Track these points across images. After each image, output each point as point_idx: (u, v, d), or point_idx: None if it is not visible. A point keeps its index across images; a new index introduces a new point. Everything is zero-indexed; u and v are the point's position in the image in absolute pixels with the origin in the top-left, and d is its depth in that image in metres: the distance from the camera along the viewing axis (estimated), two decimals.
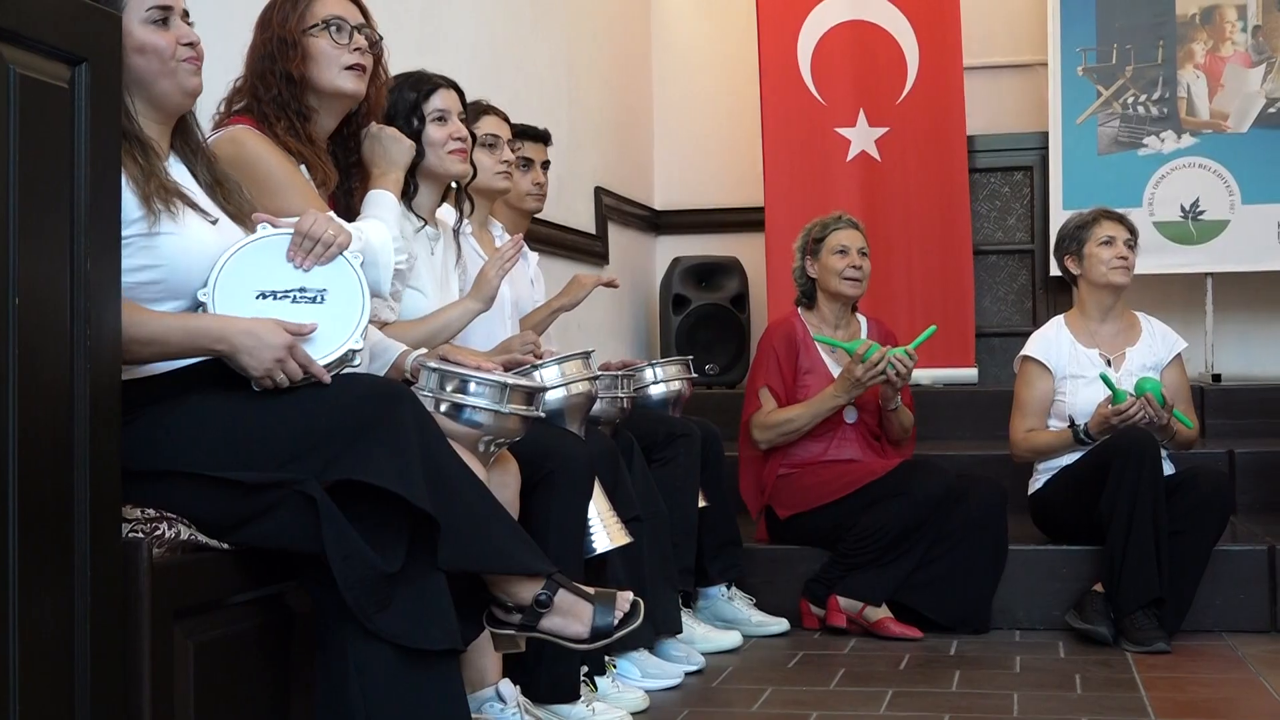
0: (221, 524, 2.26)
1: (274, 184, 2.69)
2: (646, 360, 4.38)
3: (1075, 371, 4.22)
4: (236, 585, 2.31)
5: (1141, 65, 6.10)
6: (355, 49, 2.83)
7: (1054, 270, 4.72)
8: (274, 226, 2.40)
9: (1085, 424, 4.09)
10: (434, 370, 2.66)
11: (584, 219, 5.70)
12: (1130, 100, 6.10)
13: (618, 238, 6.21)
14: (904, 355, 4.16)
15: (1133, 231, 4.33)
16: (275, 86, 2.77)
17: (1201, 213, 6.01)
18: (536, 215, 4.30)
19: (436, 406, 2.61)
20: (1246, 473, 4.93)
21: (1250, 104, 6.05)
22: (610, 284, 4.20)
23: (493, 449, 2.73)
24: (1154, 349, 4.28)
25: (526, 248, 4.06)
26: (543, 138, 4.18)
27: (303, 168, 2.77)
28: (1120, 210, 4.51)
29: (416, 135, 3.14)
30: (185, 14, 2.42)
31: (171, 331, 2.27)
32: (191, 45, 2.40)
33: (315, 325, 2.34)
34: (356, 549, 2.20)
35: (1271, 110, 6.03)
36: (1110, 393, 3.99)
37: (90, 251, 1.89)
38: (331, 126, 2.90)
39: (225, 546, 2.25)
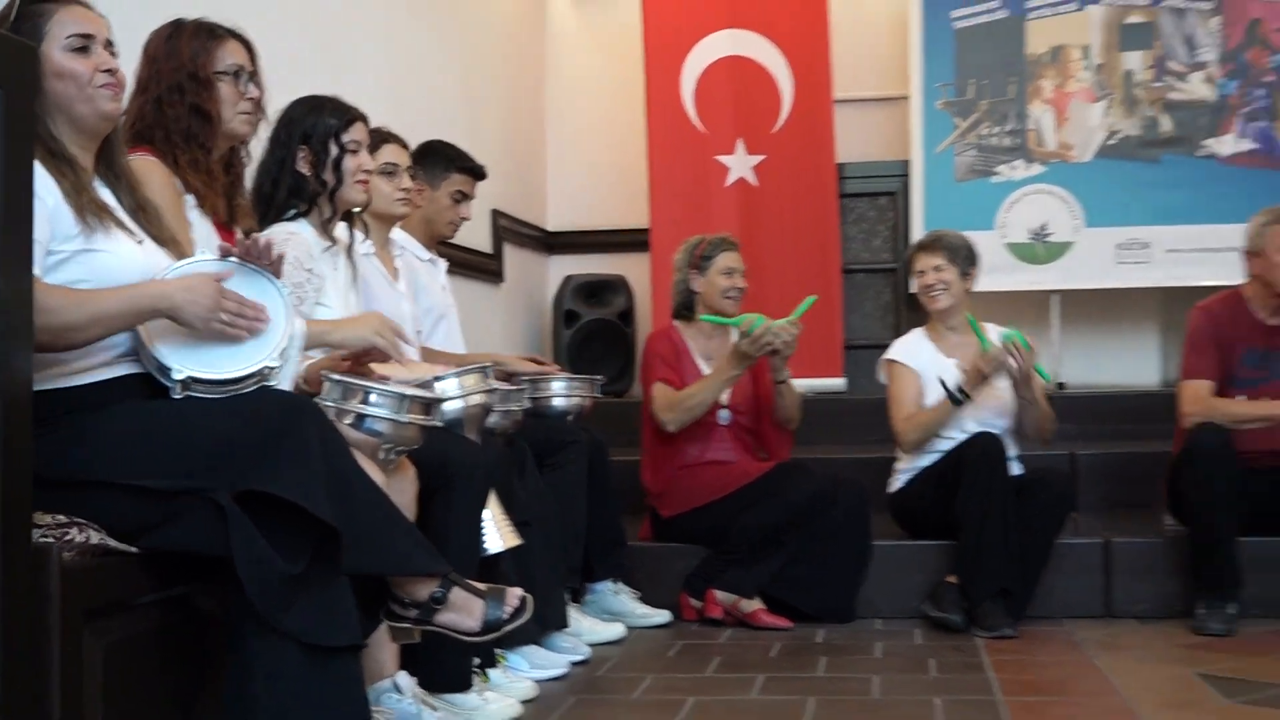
0: (133, 529, 2.25)
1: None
2: (559, 364, 4.43)
3: (935, 374, 4.28)
4: (145, 587, 2.29)
5: (995, 100, 6.20)
6: (249, 97, 2.84)
7: (914, 287, 4.79)
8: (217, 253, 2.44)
9: (959, 384, 4.15)
10: (337, 382, 2.65)
11: (481, 240, 5.69)
12: (985, 132, 6.21)
13: (513, 257, 6.21)
14: (787, 325, 4.20)
15: (949, 253, 4.34)
16: (184, 120, 2.75)
17: (1049, 235, 6.12)
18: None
19: (339, 417, 2.60)
20: (1087, 473, 5.03)
21: (1093, 136, 6.18)
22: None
23: (392, 456, 2.72)
24: None
25: (438, 257, 4.11)
26: (482, 175, 4.22)
27: (191, 198, 2.75)
28: (970, 233, 4.58)
29: (336, 161, 3.14)
30: (109, 43, 2.41)
31: (110, 304, 2.26)
32: (110, 72, 2.39)
33: (231, 271, 2.37)
34: (262, 553, 2.19)
35: (1112, 142, 6.16)
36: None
37: (1, 268, 1.87)
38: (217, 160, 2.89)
39: (134, 550, 2.23)
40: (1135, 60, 6.17)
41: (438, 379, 3.11)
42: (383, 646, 2.72)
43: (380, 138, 3.60)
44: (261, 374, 2.37)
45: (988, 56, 6.20)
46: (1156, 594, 4.20)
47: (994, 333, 4.31)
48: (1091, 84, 6.19)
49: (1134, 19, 6.15)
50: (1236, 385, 4.16)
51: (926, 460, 4.24)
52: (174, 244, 2.53)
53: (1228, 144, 6.11)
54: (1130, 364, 6.51)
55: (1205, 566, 4.01)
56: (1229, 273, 4.53)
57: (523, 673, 3.36)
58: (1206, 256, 5.86)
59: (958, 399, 4.15)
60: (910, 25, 6.24)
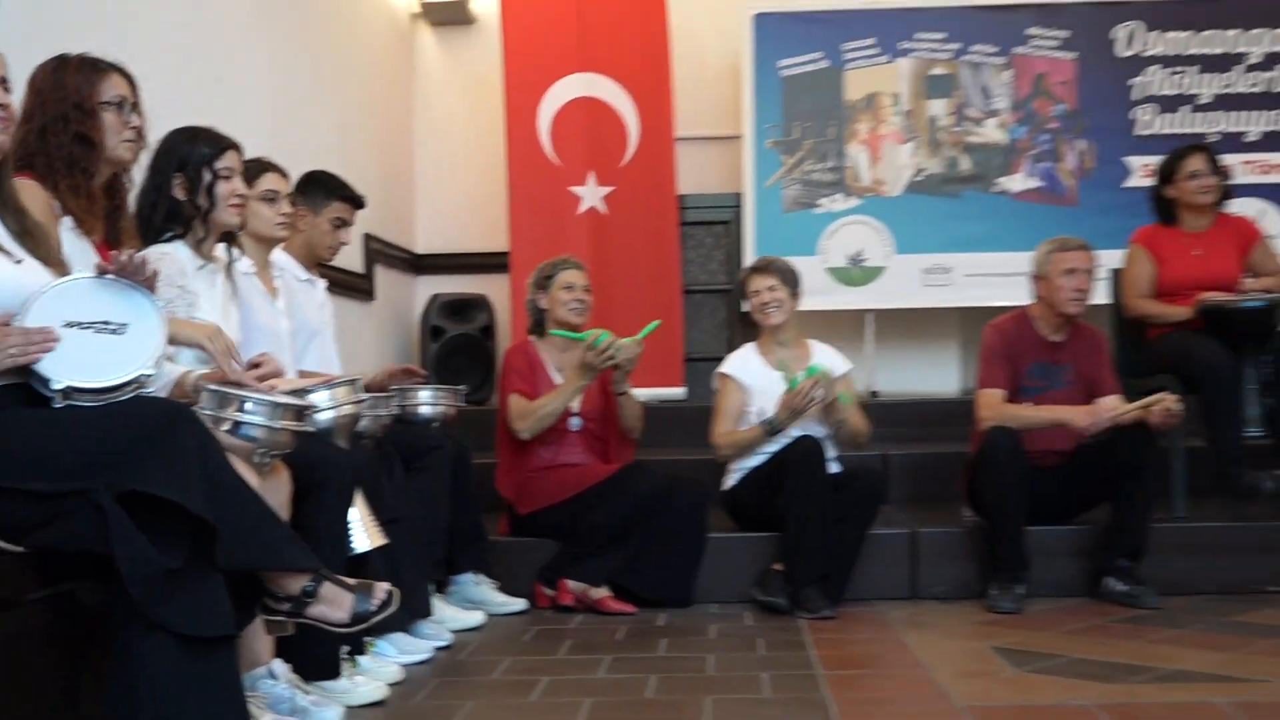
0: (19, 529, 2.18)
1: None
2: (426, 373, 4.40)
3: (762, 387, 4.32)
4: (30, 584, 2.21)
5: (817, 140, 6.30)
6: (132, 126, 2.78)
7: (745, 307, 4.84)
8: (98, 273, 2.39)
9: (774, 416, 4.19)
10: (214, 392, 2.61)
11: (354, 261, 5.61)
12: (808, 168, 6.30)
13: (383, 277, 6.14)
14: (630, 343, 4.23)
15: (781, 275, 4.38)
16: (68, 147, 2.68)
17: (864, 260, 6.24)
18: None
19: (216, 424, 2.55)
20: (896, 471, 5.10)
21: (902, 173, 6.30)
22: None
23: (266, 460, 2.67)
24: (832, 363, 4.37)
25: (317, 277, 4.04)
26: (362, 204, 4.16)
27: (68, 220, 2.68)
28: (793, 258, 4.64)
29: (209, 186, 3.08)
30: (3, 80, 2.35)
31: None
32: (4, 107, 2.33)
33: (11, 315, 2.29)
34: (141, 550, 2.14)
35: (919, 179, 6.30)
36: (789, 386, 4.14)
37: None
38: (100, 184, 2.82)
39: (19, 549, 2.15)
40: (939, 107, 6.32)
41: (311, 390, 3.08)
42: (258, 637, 2.67)
43: (261, 167, 3.55)
44: (138, 381, 2.34)
45: (811, 102, 6.29)
46: (956, 577, 4.27)
47: (820, 352, 4.39)
48: (901, 128, 6.32)
49: (938, 71, 6.31)
50: (1024, 393, 4.25)
51: (755, 461, 4.28)
52: (59, 265, 2.47)
53: (1017, 182, 6.29)
54: (934, 374, 6.67)
55: (998, 553, 4.09)
56: (1018, 294, 4.62)
57: (390, 658, 3.31)
58: (999, 280, 5.98)
59: (773, 430, 4.19)
60: (743, 73, 6.32)
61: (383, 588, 2.56)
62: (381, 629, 3.25)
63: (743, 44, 6.30)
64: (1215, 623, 3.77)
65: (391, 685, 3.11)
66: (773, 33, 6.28)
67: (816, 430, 4.24)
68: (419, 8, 6.78)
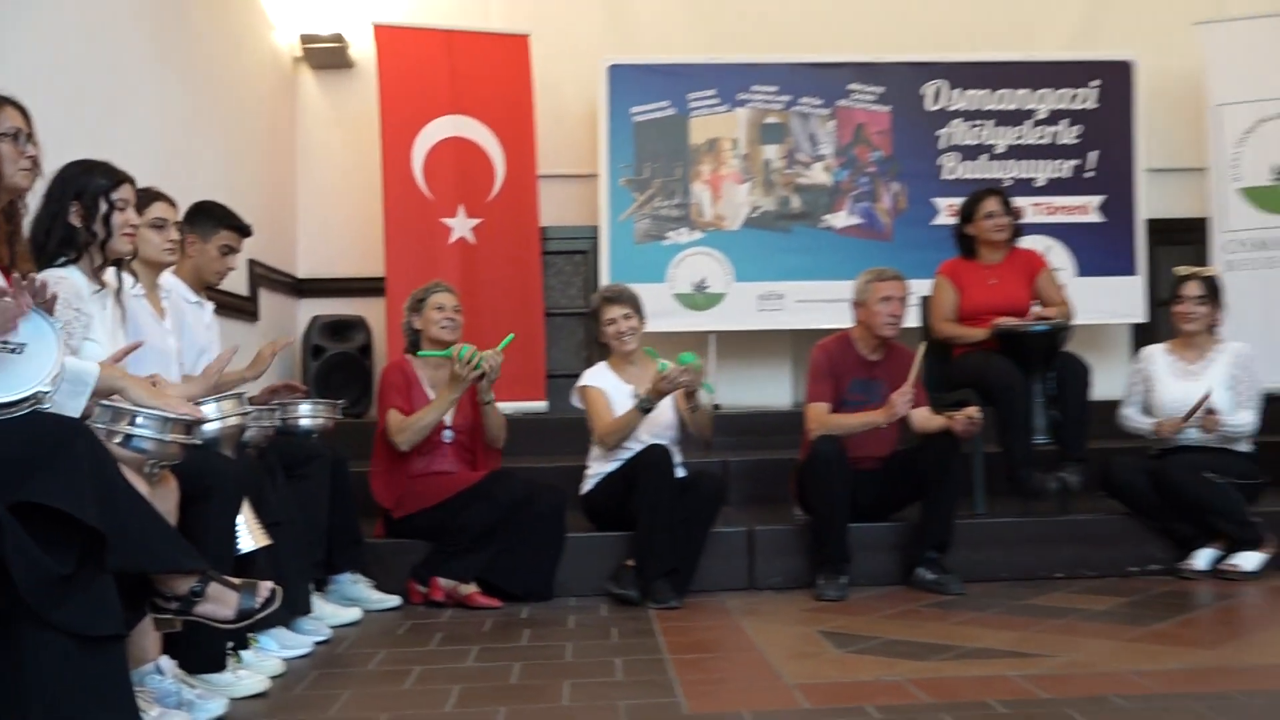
0: None
1: None
2: (307, 388, 4.32)
3: (617, 399, 4.31)
4: None
5: (665, 179, 6.34)
6: (28, 155, 2.67)
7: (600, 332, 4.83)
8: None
9: (645, 394, 4.14)
10: (106, 407, 2.52)
11: (240, 285, 5.47)
12: (657, 205, 6.33)
13: (267, 300, 5.99)
14: (492, 354, 4.19)
15: (631, 304, 4.38)
16: None
17: (707, 287, 6.30)
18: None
19: (109, 437, 2.47)
20: (735, 475, 5.12)
21: (740, 210, 6.37)
22: (286, 344, 4.14)
23: (156, 470, 2.60)
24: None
25: (205, 300, 3.93)
26: (248, 232, 4.05)
27: None
28: (643, 285, 4.66)
29: (105, 216, 2.98)
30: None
31: None
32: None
33: None
34: (34, 556, 2.07)
35: (755, 215, 6.37)
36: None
37: None
38: None
39: None
40: (772, 151, 6.40)
41: (200, 403, 3.00)
42: (146, 634, 2.58)
43: (150, 196, 3.43)
44: (35, 398, 2.25)
45: (659, 145, 6.33)
46: (787, 570, 4.31)
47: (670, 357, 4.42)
48: (739, 169, 6.39)
49: (771, 119, 6.41)
50: (846, 406, 4.32)
51: (610, 466, 4.27)
52: None
53: (841, 219, 6.41)
54: (769, 389, 6.74)
55: (824, 547, 4.14)
56: (841, 318, 4.66)
57: (272, 652, 3.23)
58: (825, 306, 6.06)
59: (644, 408, 4.19)
60: (599, 118, 6.33)
61: (266, 586, 2.51)
62: (265, 625, 3.17)
63: (599, 92, 6.31)
64: (1010, 605, 3.87)
65: (273, 678, 3.03)
66: (625, 83, 6.31)
67: (665, 436, 4.26)
68: (301, 52, 6.65)
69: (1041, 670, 2.99)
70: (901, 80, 6.46)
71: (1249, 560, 4.28)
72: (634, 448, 4.21)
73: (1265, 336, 5.72)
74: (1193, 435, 4.52)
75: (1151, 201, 6.53)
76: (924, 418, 4.25)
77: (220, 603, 2.44)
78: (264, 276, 5.93)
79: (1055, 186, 6.49)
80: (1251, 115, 6.41)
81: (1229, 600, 3.93)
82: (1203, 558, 4.35)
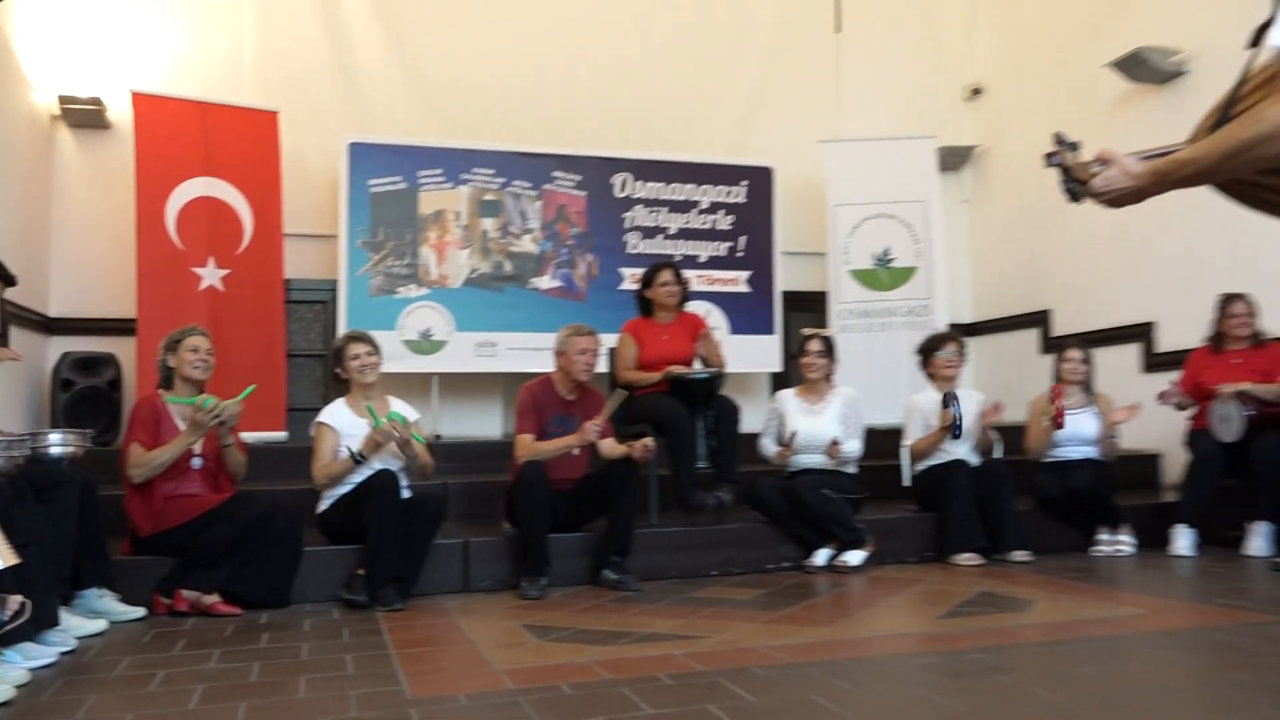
0: None
1: None
2: (49, 428, 3.94)
3: (350, 431, 4.20)
4: None
5: (397, 242, 6.25)
6: None
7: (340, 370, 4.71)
8: None
9: (358, 450, 4.10)
10: None
11: None
12: (390, 264, 6.23)
13: (18, 336, 5.45)
14: (232, 404, 4.01)
15: (372, 344, 4.32)
16: None
17: (432, 336, 6.20)
18: None
19: None
20: (455, 495, 5.07)
21: (461, 271, 6.35)
22: (10, 358, 3.79)
23: None
24: (406, 413, 4.34)
25: None
26: (13, 281, 3.68)
27: None
28: (376, 332, 4.57)
29: None
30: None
31: None
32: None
33: None
34: None
35: (474, 276, 6.36)
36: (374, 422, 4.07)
37: None
38: None
39: None
40: (489, 224, 6.43)
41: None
42: None
43: None
44: None
45: (393, 212, 6.24)
46: (497, 574, 4.30)
47: (396, 404, 4.36)
48: (461, 237, 6.37)
49: (488, 196, 6.45)
50: (547, 437, 4.37)
51: (344, 490, 4.16)
52: None
53: (545, 282, 6.51)
54: (484, 422, 6.73)
55: (527, 555, 4.16)
56: (545, 364, 4.74)
57: (17, 664, 2.94)
58: (531, 353, 6.17)
59: (357, 460, 4.12)
60: (340, 187, 6.19)
61: (15, 599, 2.31)
62: (11, 638, 2.89)
63: (340, 164, 6.17)
64: (676, 598, 4.01)
65: (19, 687, 2.76)
66: (364, 158, 6.20)
67: (393, 464, 4.20)
68: (59, 111, 6.14)
69: (699, 649, 3.12)
70: (595, 171, 6.65)
71: (855, 557, 4.66)
72: (365, 472, 4.12)
73: (868, 384, 6.29)
74: (813, 461, 4.88)
75: (786, 277, 7.03)
76: (610, 446, 4.39)
77: None
78: (16, 315, 5.39)
79: (714, 262, 6.85)
80: (859, 214, 7.04)
81: (841, 589, 4.23)
82: (821, 556, 4.69)
